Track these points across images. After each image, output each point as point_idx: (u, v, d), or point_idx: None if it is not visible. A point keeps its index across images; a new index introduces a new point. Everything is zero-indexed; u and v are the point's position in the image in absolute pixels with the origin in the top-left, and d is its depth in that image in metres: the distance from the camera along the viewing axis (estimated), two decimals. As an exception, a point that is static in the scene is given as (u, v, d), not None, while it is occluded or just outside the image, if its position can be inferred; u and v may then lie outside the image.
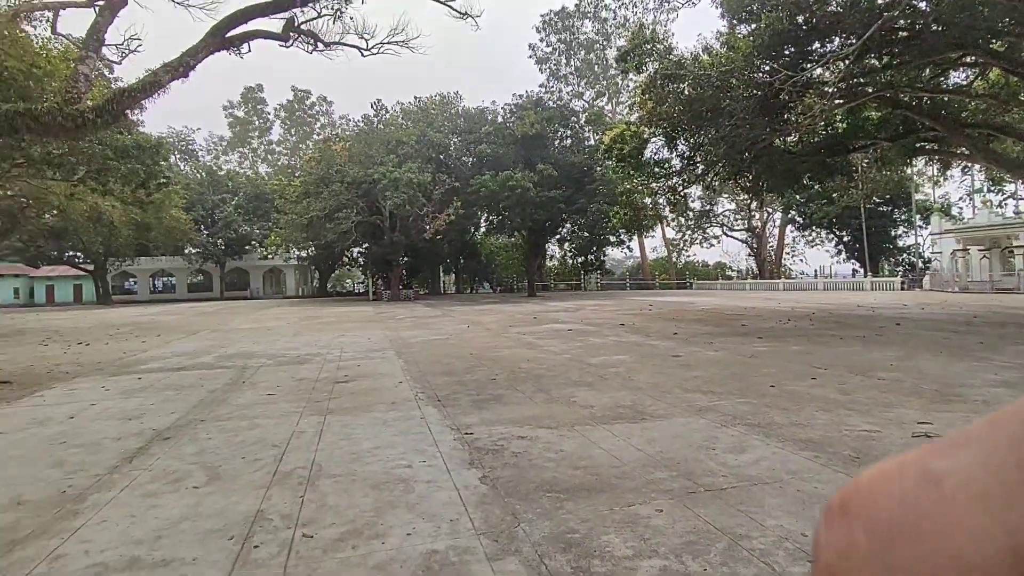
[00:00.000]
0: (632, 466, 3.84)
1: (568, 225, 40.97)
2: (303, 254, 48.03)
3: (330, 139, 42.55)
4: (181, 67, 9.46)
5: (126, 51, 14.34)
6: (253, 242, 50.58)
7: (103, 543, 2.94)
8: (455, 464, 3.97)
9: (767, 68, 14.03)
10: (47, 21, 14.99)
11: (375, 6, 14.65)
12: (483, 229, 44.52)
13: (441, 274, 54.16)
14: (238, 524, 3.10)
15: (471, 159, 38.20)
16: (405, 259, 40.08)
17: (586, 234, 41.41)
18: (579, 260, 50.64)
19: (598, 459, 4.01)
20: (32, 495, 3.68)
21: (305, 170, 38.48)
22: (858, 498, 0.28)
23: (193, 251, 48.43)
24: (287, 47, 12.97)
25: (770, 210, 49.45)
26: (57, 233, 37.32)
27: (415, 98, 43.87)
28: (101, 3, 10.99)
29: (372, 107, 41.08)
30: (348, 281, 79.05)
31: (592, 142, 37.68)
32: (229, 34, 10.52)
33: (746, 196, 33.82)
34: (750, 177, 18.48)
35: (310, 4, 12.59)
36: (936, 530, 0.24)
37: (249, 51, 11.81)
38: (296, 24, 12.79)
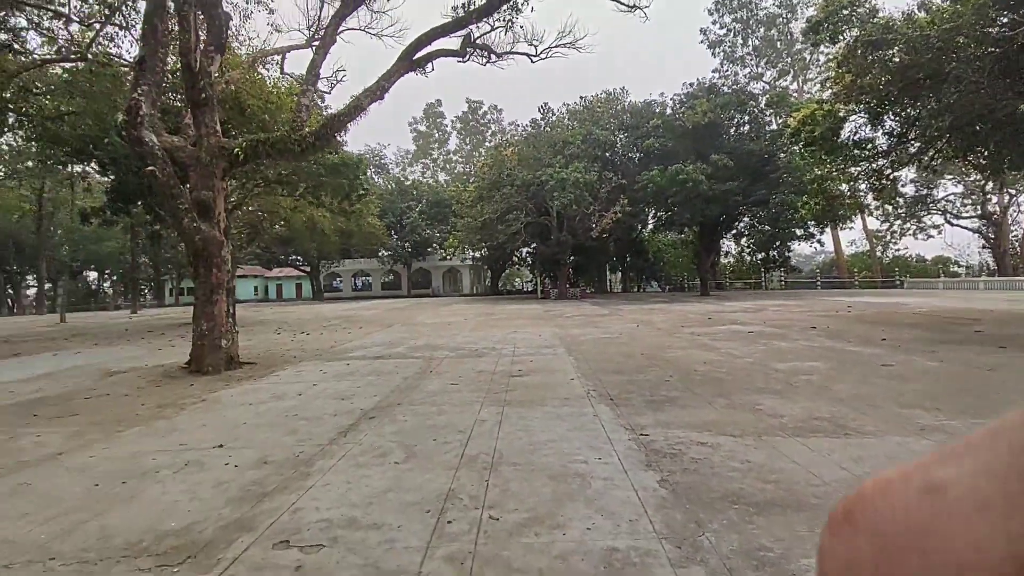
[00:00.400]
0: (835, 486, 3.42)
1: (746, 219, 37.88)
2: (477, 255, 51.27)
3: (500, 145, 44.82)
4: (378, 91, 10.71)
5: (334, 82, 16.66)
6: (434, 244, 55.38)
7: (328, 502, 3.45)
8: (631, 464, 3.91)
9: (1006, 20, 11.47)
10: (276, 64, 18.07)
11: (543, 13, 15.04)
12: (650, 226, 43.18)
13: (608, 272, 53.80)
14: (433, 500, 3.41)
15: (638, 155, 37.29)
16: (572, 258, 40.53)
17: (767, 228, 37.86)
18: (758, 257, 46.53)
19: (792, 474, 3.64)
20: (274, 456, 4.45)
21: (479, 176, 40.99)
22: (862, 507, 0.28)
23: (385, 253, 54.55)
24: (463, 62, 13.92)
25: (1012, 192, 40.39)
26: (284, 240, 44.53)
27: (580, 98, 44.16)
28: (317, 43, 12.90)
29: (539, 111, 42.32)
30: (517, 280, 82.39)
31: (774, 126, 34.34)
32: (416, 56, 11.63)
33: (980, 176, 28.04)
34: (986, 152, 15.27)
35: (484, 19, 13.38)
36: (938, 539, 0.24)
37: (432, 70, 12.92)
38: (472, 39, 13.68)
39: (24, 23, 15.80)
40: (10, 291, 51.30)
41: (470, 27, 13.08)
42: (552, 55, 15.52)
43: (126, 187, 19.05)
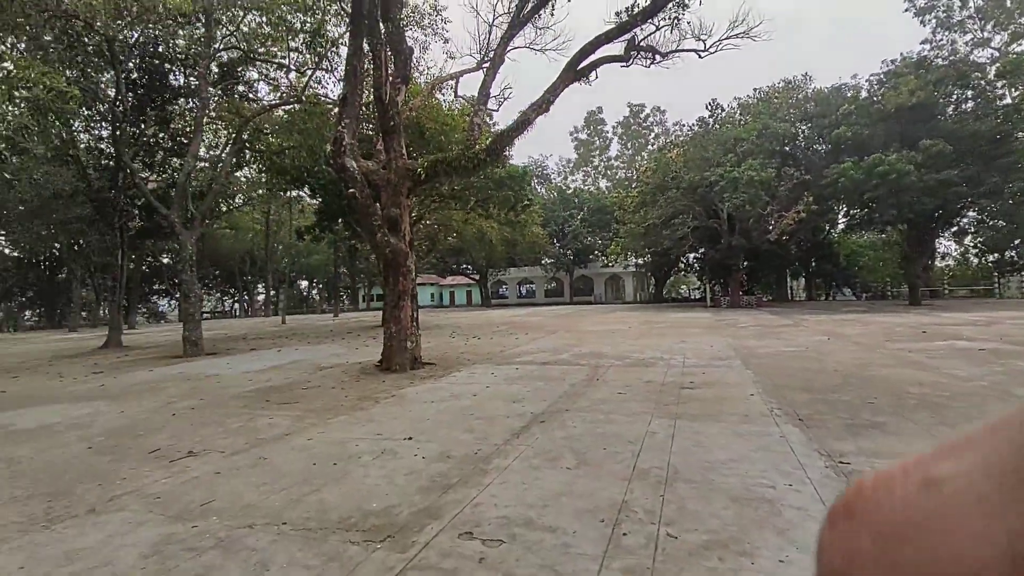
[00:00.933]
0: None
1: (971, 213, 31.71)
2: (640, 261, 50.08)
3: (665, 147, 43.33)
4: (544, 104, 11.05)
5: (502, 99, 17.53)
6: (596, 251, 55.36)
7: (506, 500, 3.61)
8: (831, 495, 3.48)
9: None
10: (451, 88, 19.58)
11: (711, 4, 14.25)
12: (841, 226, 38.29)
13: (788, 279, 48.87)
14: (605, 509, 3.38)
15: (824, 146, 33.35)
16: (745, 263, 37.52)
17: (1001, 224, 31.28)
18: (989, 259, 38.60)
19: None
20: (455, 452, 4.79)
21: (642, 180, 40.06)
22: (862, 502, 0.28)
23: (548, 261, 55.94)
24: (627, 66, 13.73)
25: None
26: (456, 250, 48.04)
27: (754, 90, 40.85)
28: (487, 65, 13.72)
29: (707, 108, 40.02)
30: (683, 287, 78.89)
31: (1008, 100, 28.30)
32: (580, 66, 11.76)
33: None
34: None
35: (649, 20, 13.08)
36: (937, 534, 0.25)
37: (596, 78, 12.96)
38: (636, 43, 13.45)
39: (256, 75, 19.29)
40: (245, 296, 62.57)
41: (634, 31, 12.89)
42: (722, 48, 14.62)
43: (331, 208, 22.17)
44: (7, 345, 22.15)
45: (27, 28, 12.41)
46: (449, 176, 11.70)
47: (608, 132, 74.59)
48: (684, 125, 51.18)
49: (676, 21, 13.81)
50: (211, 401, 7.82)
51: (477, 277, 60.12)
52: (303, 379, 9.65)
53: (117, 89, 16.47)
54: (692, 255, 44.33)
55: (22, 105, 7.50)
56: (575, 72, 11.53)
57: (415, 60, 18.17)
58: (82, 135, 19.67)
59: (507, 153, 27.01)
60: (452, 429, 5.60)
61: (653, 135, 69.33)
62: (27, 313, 47.60)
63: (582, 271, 57.80)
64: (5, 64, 10.88)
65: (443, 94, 19.49)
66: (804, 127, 35.37)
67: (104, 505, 3.85)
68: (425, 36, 17.47)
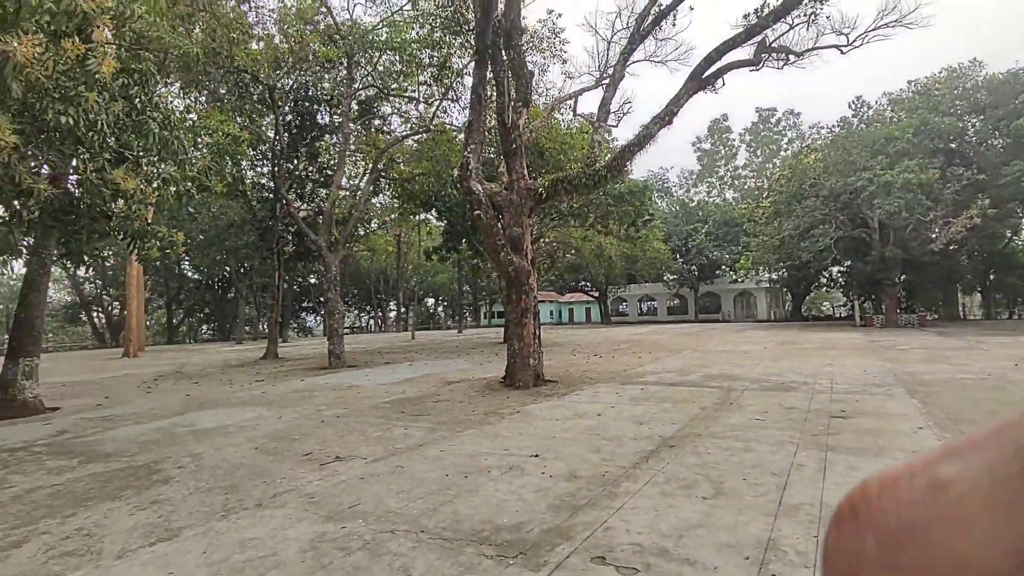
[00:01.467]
0: None
1: None
2: (774, 276, 46.54)
3: (800, 152, 40.10)
4: (667, 116, 10.77)
5: (621, 115, 17.37)
6: (723, 266, 52.37)
7: (638, 526, 3.49)
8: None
9: None
10: (569, 107, 19.80)
11: (858, -7, 13.04)
12: (1028, 231, 32.76)
13: (959, 295, 42.60)
14: (750, 546, 3.14)
15: (1002, 141, 28.87)
16: (902, 277, 33.32)
17: None
18: None
19: None
20: (582, 472, 4.74)
21: (774, 189, 37.36)
22: (867, 503, 0.28)
23: (670, 277, 53.87)
24: (757, 70, 12.98)
25: None
26: (574, 268, 47.98)
27: (908, 83, 36.45)
28: (606, 82, 13.70)
29: (850, 106, 36.50)
30: (825, 304, 72.02)
31: None
32: (705, 75, 11.33)
33: None
34: None
35: (781, 20, 12.28)
36: (943, 536, 0.25)
37: (723, 85, 12.39)
38: (767, 44, 12.68)
39: (389, 109, 20.98)
40: (379, 313, 67.48)
41: (764, 32, 12.18)
42: (869, 41, 13.31)
43: (455, 230, 23.30)
44: (189, 355, 25.88)
45: (207, 84, 14.66)
46: (570, 194, 11.79)
47: (734, 140, 70.71)
48: (823, 127, 46.93)
49: (813, 17, 12.85)
50: (353, 410, 8.49)
51: (596, 294, 59.51)
52: (433, 392, 10.15)
53: (276, 130, 18.80)
54: (836, 268, 40.21)
55: (203, 149, 8.84)
56: (700, 81, 11.13)
57: (535, 83, 18.71)
58: (248, 172, 22.72)
59: (628, 168, 26.67)
60: (578, 448, 5.56)
61: (786, 140, 64.50)
62: (204, 327, 55.29)
63: (708, 287, 54.88)
64: (191, 115, 12.90)
65: (561, 113, 19.79)
66: (975, 120, 30.92)
67: (269, 500, 4.32)
68: (544, 59, 17.94)
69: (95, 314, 46.43)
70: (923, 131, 29.49)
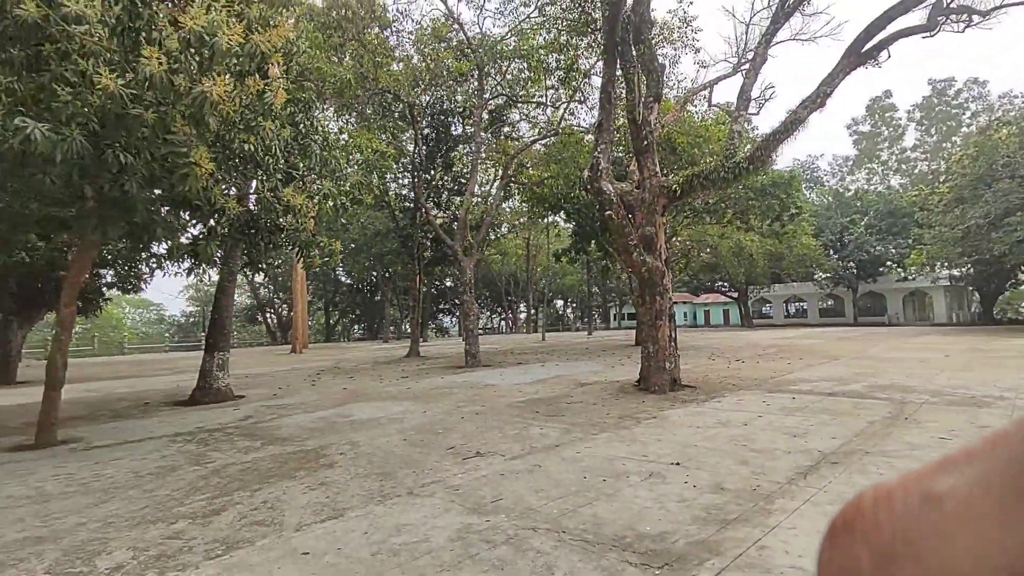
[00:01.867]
0: None
1: None
2: (956, 273, 40.20)
3: (989, 127, 34.21)
4: (819, 98, 9.78)
5: (763, 101, 16.14)
6: (888, 263, 46.29)
7: (799, 548, 3.19)
8: None
9: None
10: (703, 98, 18.81)
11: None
12: None
13: None
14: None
15: None
16: None
17: None
18: None
19: None
20: (730, 484, 4.45)
21: (955, 172, 32.32)
22: (861, 517, 0.28)
23: (822, 276, 48.82)
24: (932, 35, 11.33)
25: None
26: (711, 267, 45.43)
27: None
28: (745, 68, 12.81)
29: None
30: (1024, 305, 60.81)
31: None
32: (865, 48, 10.13)
33: None
34: None
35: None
36: (936, 551, 0.24)
37: (888, 58, 10.98)
38: (945, 4, 11.03)
39: (517, 116, 21.50)
40: (509, 314, 69.35)
41: (943, -9, 10.59)
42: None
43: (584, 231, 23.23)
44: (344, 352, 28.63)
45: (356, 106, 16.14)
46: (706, 190, 11.21)
47: (901, 119, 62.32)
48: (1016, 96, 39.46)
49: (1006, -35, 10.93)
50: (490, 408, 8.79)
51: (735, 295, 55.79)
52: (566, 393, 10.19)
53: (415, 144, 20.14)
54: (1040, 262, 33.71)
55: (355, 166, 9.74)
56: (859, 56, 9.97)
57: (665, 76, 18.06)
58: (391, 184, 24.65)
59: (772, 158, 24.75)
60: (723, 459, 5.24)
61: (968, 114, 55.51)
62: (355, 327, 60.86)
63: (869, 286, 48.82)
64: (343, 136, 14.28)
65: (695, 105, 18.88)
66: None
67: (419, 489, 4.62)
68: (675, 51, 17.24)
69: (268, 315, 53.17)
70: None
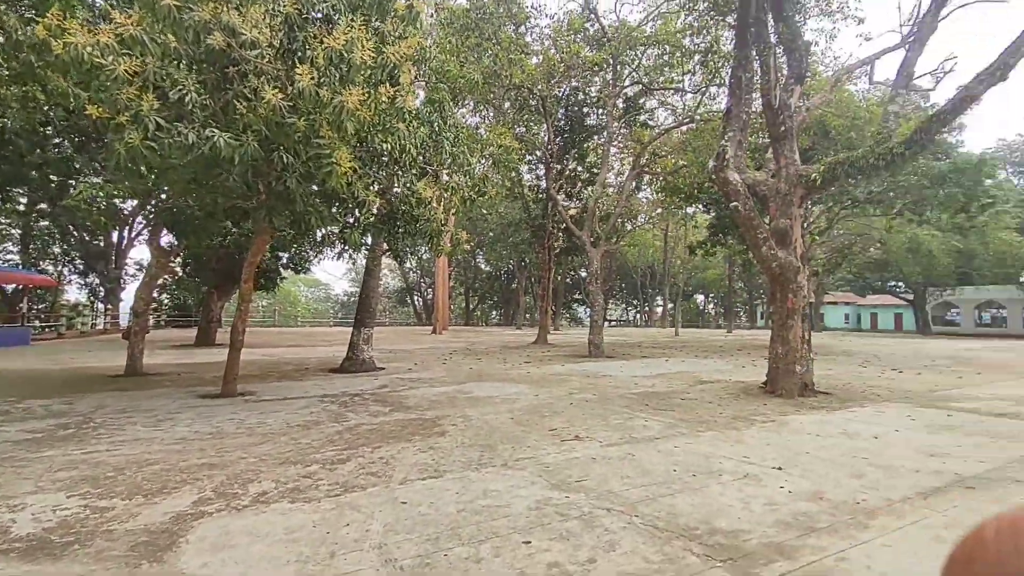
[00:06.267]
0: None
1: None
2: None
3: None
4: (999, 69, 8.27)
5: (940, 75, 13.96)
6: (1124, 264, 37.25)
7: (883, 564, 2.98)
8: None
9: None
10: (865, 75, 16.70)
11: None
12: None
13: None
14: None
15: None
16: None
17: None
18: None
19: None
20: (831, 494, 4.17)
21: None
22: (983, 549, 0.25)
23: (1032, 279, 40.67)
24: None
25: None
26: (879, 265, 40.30)
27: None
28: (911, 39, 11.20)
29: None
30: None
31: None
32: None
33: None
34: None
35: None
36: None
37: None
38: None
39: (655, 103, 20.82)
40: (646, 307, 67.55)
41: None
42: None
43: (723, 222, 21.93)
44: (479, 335, 30.27)
45: (493, 101, 16.89)
46: (853, 178, 10.11)
47: None
48: None
49: None
50: (601, 397, 8.91)
51: (911, 297, 48.72)
52: (682, 390, 9.93)
53: (548, 136, 20.50)
54: None
55: (481, 161, 10.30)
56: (1064, 15, 8.25)
57: (819, 53, 16.34)
58: (526, 176, 25.35)
59: (953, 138, 21.25)
60: (833, 469, 4.88)
61: None
62: (493, 312, 63.58)
63: (1094, 291, 39.78)
64: (480, 130, 15.05)
65: (855, 84, 16.86)
66: None
67: (513, 463, 4.96)
68: (833, 23, 15.50)
69: (415, 297, 57.60)
70: None
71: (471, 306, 58.70)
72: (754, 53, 9.48)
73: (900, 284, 47.84)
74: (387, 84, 5.44)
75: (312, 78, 4.99)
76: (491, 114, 19.39)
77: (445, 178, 8.51)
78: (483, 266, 54.21)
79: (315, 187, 7.14)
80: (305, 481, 4.34)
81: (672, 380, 11.28)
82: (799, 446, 5.73)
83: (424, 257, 51.38)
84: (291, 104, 5.10)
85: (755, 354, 18.24)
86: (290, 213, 6.95)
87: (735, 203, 9.15)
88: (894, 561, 3.04)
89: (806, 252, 10.66)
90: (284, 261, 15.71)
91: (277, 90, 4.84)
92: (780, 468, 4.88)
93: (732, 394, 9.47)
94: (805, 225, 12.87)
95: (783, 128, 9.58)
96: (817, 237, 22.72)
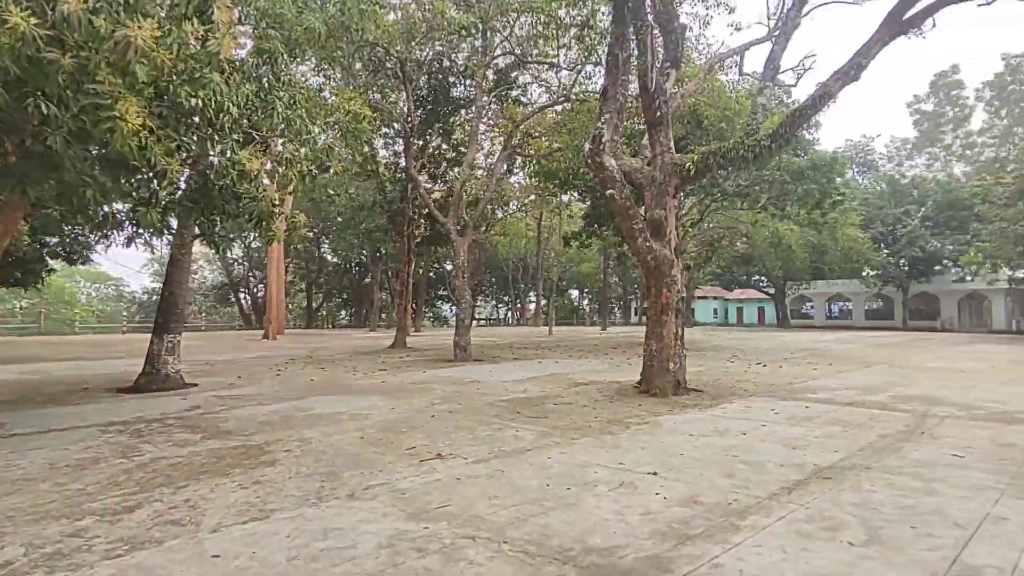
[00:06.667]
0: None
1: None
2: (1019, 275, 39.72)
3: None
4: (852, 70, 9.61)
5: (801, 71, 15.89)
6: (945, 260, 45.68)
7: (755, 568, 3.23)
8: None
9: None
10: (735, 66, 18.53)
11: None
12: None
13: None
14: (903, 612, 2.75)
15: None
16: None
17: None
18: None
19: None
20: (705, 497, 4.49)
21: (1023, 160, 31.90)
22: None
23: (871, 273, 48.33)
24: (987, 4, 11.06)
25: None
26: (745, 259, 45.10)
27: None
28: (776, 33, 12.61)
29: None
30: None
31: None
32: (907, 15, 9.92)
33: None
34: None
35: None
36: None
37: (934, 26, 10.72)
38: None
39: (528, 78, 21.33)
40: (518, 304, 69.38)
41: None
42: None
43: (598, 212, 23.10)
44: (324, 340, 28.90)
45: (342, 59, 16.09)
46: (725, 169, 11.14)
47: (968, 98, 61.09)
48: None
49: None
50: (467, 407, 8.87)
51: (772, 292, 55.44)
52: (557, 394, 10.24)
53: (408, 106, 20.06)
54: (1118, 265, 33.57)
55: (325, 128, 9.66)
56: (900, 24, 9.76)
57: (693, 39, 17.79)
58: (381, 151, 24.59)
59: (810, 136, 24.30)
60: (707, 470, 5.27)
61: (1048, 93, 54.29)
62: (342, 312, 61.22)
63: (922, 286, 48.23)
64: (325, 93, 14.21)
65: (726, 73, 18.61)
66: None
67: (361, 492, 4.68)
68: (707, 9, 16.94)
69: (242, 295, 53.52)
70: None
71: (315, 305, 55.94)
72: (631, 31, 9.99)
73: (763, 279, 54.17)
74: (195, 21, 4.84)
75: (83, 1, 4.27)
76: (339, 75, 18.45)
77: (279, 148, 7.88)
78: (329, 257, 51.83)
79: (93, 150, 6.20)
80: (73, 541, 3.69)
81: (546, 383, 11.60)
82: (674, 448, 6.13)
83: (253, 245, 47.88)
84: (52, 34, 4.32)
85: (629, 352, 19.49)
86: (56, 183, 5.94)
87: (611, 190, 9.60)
88: (764, 562, 3.31)
89: (680, 245, 11.52)
90: (52, 248, 13.54)
91: (29, 12, 4.05)
92: (655, 473, 5.16)
93: (607, 396, 9.96)
94: (678, 217, 13.93)
95: (659, 114, 10.25)
96: (691, 229, 24.77)
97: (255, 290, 53.28)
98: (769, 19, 12.85)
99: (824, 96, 9.18)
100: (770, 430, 7.01)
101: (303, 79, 14.79)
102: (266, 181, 8.78)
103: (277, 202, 8.33)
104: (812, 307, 61.05)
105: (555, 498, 4.50)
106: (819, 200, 23.08)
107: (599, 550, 3.52)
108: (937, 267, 46.25)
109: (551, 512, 4.18)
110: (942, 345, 24.69)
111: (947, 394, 9.82)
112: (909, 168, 62.18)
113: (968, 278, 43.96)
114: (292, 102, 7.90)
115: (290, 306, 58.77)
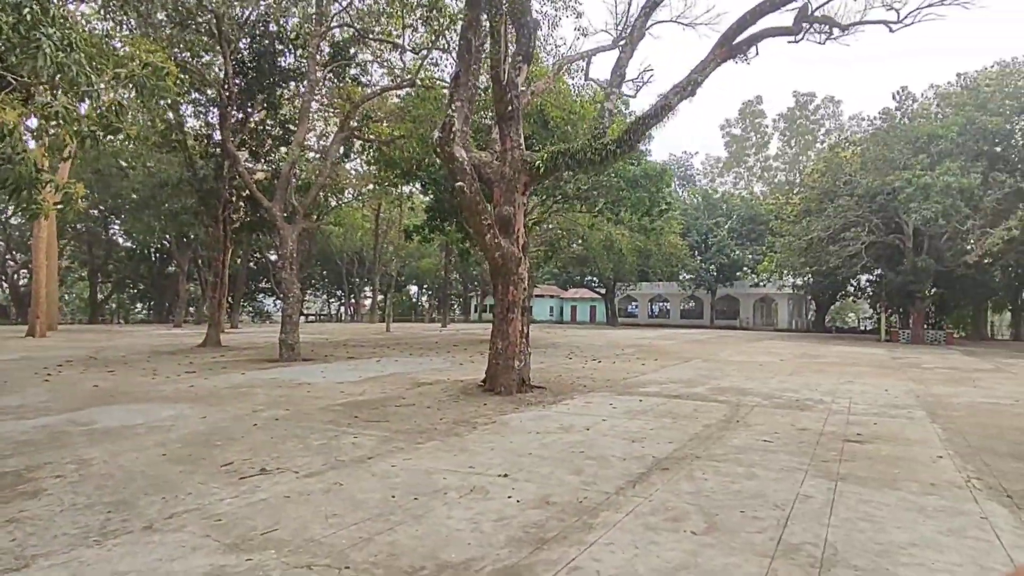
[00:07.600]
0: None
1: None
2: (799, 282, 46.83)
3: (837, 145, 40.34)
4: (689, 86, 10.48)
5: (640, 84, 17.05)
6: (745, 268, 52.37)
7: (611, 567, 3.30)
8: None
9: None
10: (581, 70, 19.41)
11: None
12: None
13: (989, 313, 44.09)
14: (749, 601, 2.92)
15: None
16: (933, 290, 34.19)
17: None
18: None
19: None
20: (557, 497, 4.52)
21: (806, 184, 37.48)
22: None
23: (686, 277, 53.85)
24: (796, 41, 12.67)
25: None
26: (580, 260, 47.70)
27: (957, 76, 36.12)
28: (623, 43, 13.37)
29: (894, 97, 36.08)
30: (850, 315, 74.01)
31: None
32: (736, 40, 11.03)
33: None
34: None
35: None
36: None
37: (756, 54, 12.06)
38: (809, 12, 12.41)
39: (370, 57, 20.47)
40: (352, 300, 66.89)
41: (808, -4, 11.90)
42: (922, 20, 12.98)
43: (442, 206, 22.88)
44: (112, 338, 25.27)
45: (138, 4, 13.94)
46: (572, 170, 11.54)
47: (767, 126, 70.51)
48: (863, 119, 46.30)
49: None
50: (297, 413, 8.19)
51: (603, 292, 59.39)
52: (398, 395, 9.88)
53: (226, 71, 18.18)
54: (864, 277, 41.23)
55: (114, 82, 8.25)
56: (730, 48, 10.83)
57: (542, 38, 18.28)
58: (191, 121, 22.06)
59: (644, 147, 26.23)
60: (556, 468, 5.34)
61: (823, 131, 64.29)
62: (138, 305, 54.39)
63: (726, 290, 54.94)
64: (116, 43, 12.18)
65: (572, 77, 19.39)
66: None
67: (163, 523, 3.98)
68: (555, 10, 17.47)
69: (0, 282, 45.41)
70: (968, 130, 29.64)
71: (100, 296, 48.93)
72: (485, 18, 9.92)
73: (595, 279, 57.75)
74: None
75: None
76: (133, 23, 16.04)
77: (47, 99, 6.62)
78: (121, 241, 45.50)
79: None
80: None
81: (385, 384, 11.17)
82: (522, 447, 6.15)
83: (12, 222, 40.66)
84: None
85: (472, 350, 19.61)
86: None
87: (460, 183, 9.46)
88: (618, 560, 3.38)
89: (527, 243, 11.72)
90: None
91: None
92: (506, 475, 5.11)
93: (452, 396, 9.82)
94: (525, 215, 14.28)
95: (510, 108, 10.31)
96: (535, 229, 25.58)
97: (15, 277, 45.27)
98: (616, 28, 13.56)
99: (665, 108, 9.89)
100: (611, 424, 7.36)
101: (85, 21, 12.62)
102: (31, 142, 7.43)
103: (43, 167, 7.04)
104: (637, 306, 66.48)
105: (402, 511, 4.22)
106: (649, 207, 25.02)
107: (454, 565, 3.33)
108: (739, 273, 52.99)
109: (398, 527, 3.91)
110: (742, 341, 28.28)
111: (753, 385, 11.28)
112: (720, 184, 70.16)
113: (762, 284, 50.74)
114: (67, 45, 6.62)
115: (66, 297, 50.97)
